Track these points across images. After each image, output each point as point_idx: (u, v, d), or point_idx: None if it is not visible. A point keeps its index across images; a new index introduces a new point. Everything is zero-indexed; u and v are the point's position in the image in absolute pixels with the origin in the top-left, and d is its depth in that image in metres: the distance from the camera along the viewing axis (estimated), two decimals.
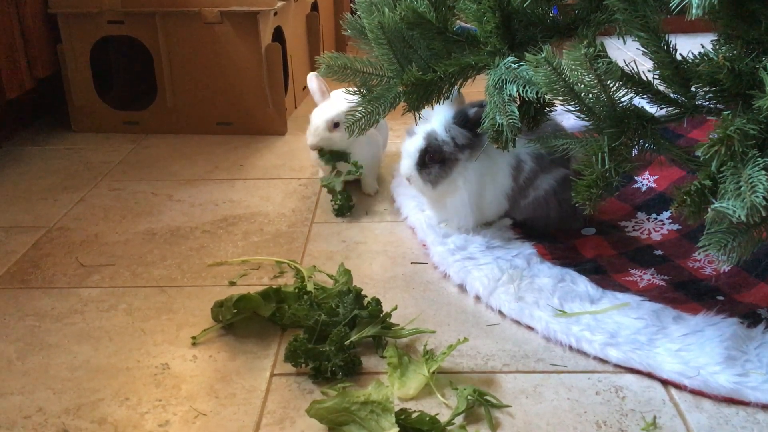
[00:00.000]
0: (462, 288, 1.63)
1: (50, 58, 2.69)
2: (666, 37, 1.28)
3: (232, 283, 1.68)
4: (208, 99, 2.72)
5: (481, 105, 1.69)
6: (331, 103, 2.10)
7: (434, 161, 1.76)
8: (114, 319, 1.55)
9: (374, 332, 1.41)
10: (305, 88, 3.14)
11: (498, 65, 1.46)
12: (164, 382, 1.34)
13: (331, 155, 2.08)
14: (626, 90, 1.29)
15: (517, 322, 1.50)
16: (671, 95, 1.33)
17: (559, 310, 1.48)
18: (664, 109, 1.36)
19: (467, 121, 1.74)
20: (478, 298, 1.59)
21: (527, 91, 1.39)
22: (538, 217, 1.84)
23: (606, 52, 1.22)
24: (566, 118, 1.81)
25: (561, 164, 1.78)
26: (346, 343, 1.36)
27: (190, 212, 2.07)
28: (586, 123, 1.36)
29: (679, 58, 1.29)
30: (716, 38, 1.30)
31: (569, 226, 1.86)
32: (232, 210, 2.08)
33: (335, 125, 2.06)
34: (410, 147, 1.79)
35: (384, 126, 2.31)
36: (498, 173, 1.79)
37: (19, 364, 1.40)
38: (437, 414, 1.21)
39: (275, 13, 2.71)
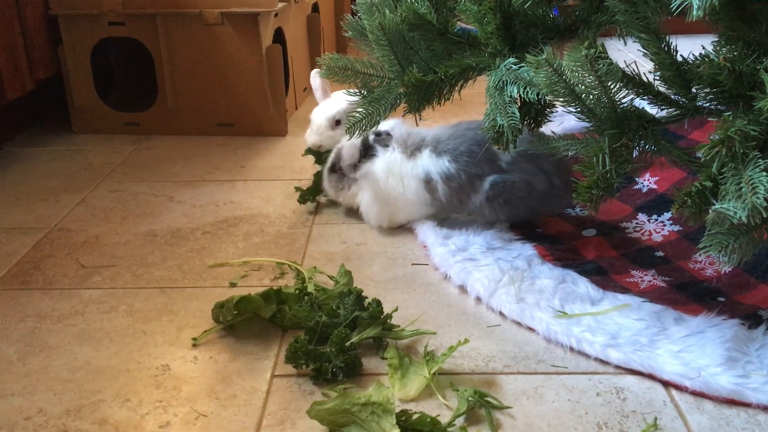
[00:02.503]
0: (463, 289, 1.63)
1: (51, 59, 2.69)
2: (667, 38, 1.28)
3: (233, 285, 1.68)
4: (209, 100, 2.72)
5: (378, 134, 1.89)
6: (331, 101, 2.11)
7: (337, 171, 1.97)
8: (115, 320, 1.55)
9: (375, 333, 1.41)
10: (306, 89, 3.15)
11: (499, 66, 1.46)
12: (165, 383, 1.34)
13: (327, 154, 2.08)
14: (627, 91, 1.29)
15: (518, 324, 1.50)
16: (672, 96, 1.33)
17: (560, 312, 1.48)
18: (665, 111, 1.36)
19: (366, 145, 1.91)
20: (478, 299, 1.59)
21: (528, 92, 1.39)
22: (502, 218, 1.87)
23: (607, 53, 1.22)
24: (567, 119, 1.82)
25: (487, 173, 1.80)
26: (347, 344, 1.36)
27: (191, 213, 2.07)
28: (587, 124, 1.36)
29: (679, 59, 1.29)
30: (717, 39, 1.30)
31: (548, 210, 1.91)
32: (233, 211, 2.08)
33: (337, 122, 2.07)
34: (327, 161, 2.01)
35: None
36: (406, 181, 1.87)
37: (19, 365, 1.40)
38: (438, 415, 1.21)
39: (276, 15, 2.72)
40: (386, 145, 1.89)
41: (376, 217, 1.93)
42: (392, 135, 1.89)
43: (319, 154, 2.13)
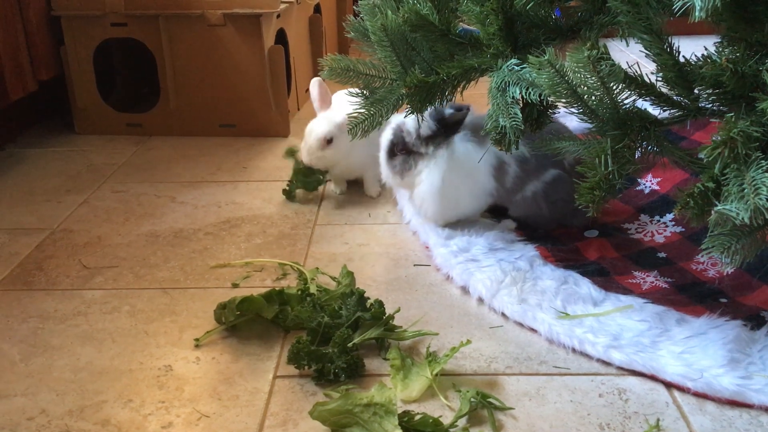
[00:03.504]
0: (465, 290, 1.63)
1: (53, 60, 2.70)
2: (669, 39, 1.28)
3: (235, 285, 1.68)
4: (211, 101, 2.73)
5: (459, 109, 1.77)
6: (327, 115, 2.05)
7: (401, 152, 1.83)
8: (117, 320, 1.55)
9: (377, 334, 1.41)
10: (308, 90, 3.15)
11: (501, 67, 1.46)
12: (167, 383, 1.35)
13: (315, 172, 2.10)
14: (629, 92, 1.29)
15: (520, 325, 1.50)
16: (674, 97, 1.33)
17: (562, 313, 1.48)
18: (667, 112, 1.36)
19: (441, 118, 1.79)
20: (481, 300, 1.59)
21: (530, 93, 1.39)
22: (532, 215, 1.86)
23: (609, 54, 1.22)
24: (569, 120, 1.81)
25: (551, 165, 1.79)
26: (349, 345, 1.36)
27: (193, 214, 2.07)
28: (589, 125, 1.36)
29: (682, 60, 1.29)
30: (719, 40, 1.30)
31: (569, 223, 1.87)
32: (235, 212, 2.08)
33: (328, 142, 2.02)
34: (383, 138, 1.87)
35: None
36: (476, 173, 1.81)
37: (22, 366, 1.40)
38: (440, 416, 1.21)
39: (278, 16, 2.72)
40: (460, 123, 1.79)
41: (435, 211, 1.85)
42: (466, 112, 1.79)
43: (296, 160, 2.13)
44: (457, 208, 1.87)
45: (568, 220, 1.87)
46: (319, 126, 2.03)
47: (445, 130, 1.79)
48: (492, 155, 1.78)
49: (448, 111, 1.78)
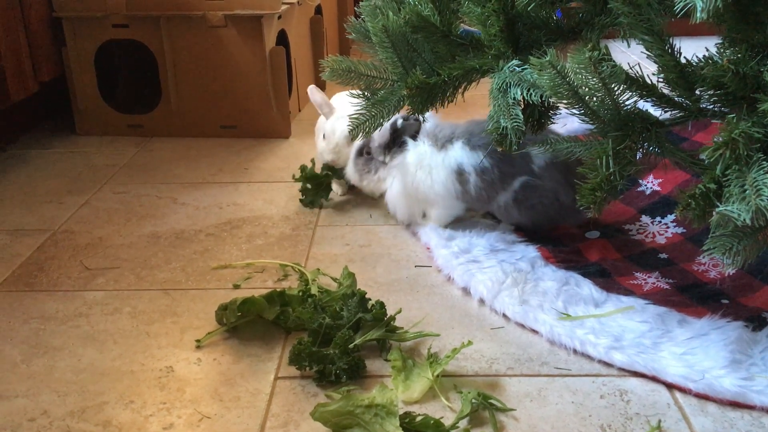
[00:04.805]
0: (466, 291, 1.63)
1: (55, 61, 2.70)
2: (670, 40, 1.28)
3: (236, 286, 1.68)
4: (212, 102, 2.73)
5: (405, 119, 1.87)
6: (343, 115, 2.06)
7: (366, 155, 1.96)
8: (118, 322, 1.55)
9: (378, 335, 1.41)
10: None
11: (502, 68, 1.46)
12: (168, 385, 1.35)
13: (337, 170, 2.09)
14: (630, 93, 1.29)
15: (522, 326, 1.50)
16: (676, 98, 1.33)
17: (564, 314, 1.48)
18: (669, 113, 1.35)
19: (394, 129, 1.89)
20: (482, 301, 1.59)
21: (531, 94, 1.39)
22: (517, 223, 1.88)
23: (610, 55, 1.22)
24: (570, 121, 1.82)
25: (518, 174, 1.80)
26: (351, 346, 1.36)
27: (195, 215, 2.08)
28: (591, 126, 1.36)
29: (683, 61, 1.29)
30: (721, 41, 1.30)
31: (565, 223, 1.89)
32: (236, 213, 2.09)
33: (352, 139, 2.04)
34: (353, 148, 2.00)
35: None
36: (434, 172, 1.85)
37: (23, 367, 1.40)
38: (441, 417, 1.21)
39: (279, 17, 2.72)
40: (416, 133, 1.88)
41: (402, 213, 1.94)
42: (421, 121, 1.88)
43: (335, 169, 2.11)
44: (428, 209, 1.92)
45: (561, 220, 1.87)
46: (343, 124, 2.05)
47: (397, 139, 1.90)
48: (453, 160, 1.84)
49: (400, 121, 1.88)
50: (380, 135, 1.90)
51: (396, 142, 1.91)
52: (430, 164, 1.85)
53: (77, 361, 1.42)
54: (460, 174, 1.83)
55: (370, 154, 1.95)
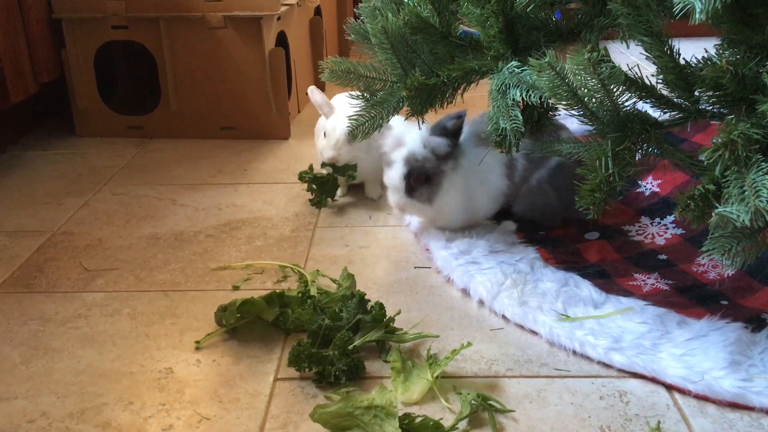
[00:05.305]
0: (465, 292, 1.63)
1: (54, 62, 2.70)
2: (669, 41, 1.28)
3: (236, 288, 1.68)
4: (212, 103, 2.73)
5: (458, 116, 1.76)
6: (343, 114, 2.07)
7: (421, 182, 1.77)
8: (118, 323, 1.55)
9: (378, 336, 1.41)
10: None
11: (501, 70, 1.46)
12: (168, 386, 1.35)
13: (344, 168, 2.08)
14: (630, 94, 1.29)
15: (521, 327, 1.50)
16: (675, 99, 1.33)
17: (563, 315, 1.48)
18: (668, 114, 1.36)
19: (446, 132, 1.76)
20: (481, 302, 1.59)
21: (531, 95, 1.39)
22: (539, 206, 1.87)
23: (609, 56, 1.22)
24: (570, 122, 1.81)
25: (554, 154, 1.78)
26: (350, 347, 1.36)
27: (194, 216, 2.08)
28: (590, 127, 1.36)
29: (682, 62, 1.29)
30: (720, 43, 1.30)
31: (574, 215, 1.87)
32: (236, 214, 2.09)
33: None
34: (394, 177, 1.78)
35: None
36: (490, 174, 1.83)
37: (23, 369, 1.40)
38: (441, 419, 1.21)
39: (279, 18, 2.72)
40: (459, 130, 1.77)
41: (455, 219, 1.85)
42: (463, 117, 1.77)
43: (336, 167, 2.11)
44: (475, 213, 1.88)
45: (572, 212, 1.87)
46: (344, 122, 2.05)
47: (455, 138, 1.78)
48: (503, 155, 1.75)
49: (449, 122, 1.76)
50: (437, 146, 1.75)
51: (454, 145, 1.77)
52: (489, 163, 1.79)
53: (76, 362, 1.42)
54: (510, 164, 1.81)
55: (423, 180, 1.76)
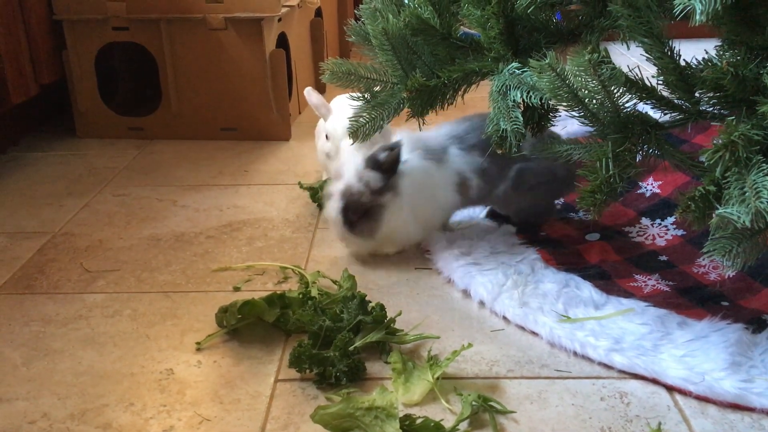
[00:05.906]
0: (466, 293, 1.63)
1: (55, 64, 2.70)
2: (670, 42, 1.28)
3: (237, 289, 1.68)
4: (213, 105, 2.73)
5: (392, 148, 1.71)
6: (340, 117, 2.06)
7: (359, 215, 1.72)
8: (119, 324, 1.55)
9: (378, 338, 1.41)
10: None
11: (502, 71, 1.46)
12: (169, 387, 1.35)
13: None
14: (630, 95, 1.29)
15: (522, 328, 1.50)
16: (675, 101, 1.33)
17: (564, 316, 1.48)
18: (668, 115, 1.36)
19: (379, 166, 1.71)
20: (482, 303, 1.59)
21: (531, 96, 1.39)
22: (516, 212, 1.89)
23: (610, 57, 1.22)
24: (570, 123, 1.82)
25: (513, 162, 1.78)
26: (351, 348, 1.36)
27: (195, 218, 2.08)
28: (590, 129, 1.36)
29: (683, 63, 1.29)
30: (720, 44, 1.30)
31: (565, 195, 1.94)
32: (237, 215, 2.09)
33: None
34: (332, 212, 1.74)
35: (387, 132, 2.31)
36: (439, 190, 1.78)
37: (24, 370, 1.40)
38: (442, 420, 1.21)
39: (279, 20, 2.72)
40: (398, 160, 1.71)
41: (407, 239, 1.81)
42: (400, 146, 1.72)
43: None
44: (430, 225, 1.83)
45: (562, 195, 1.94)
46: (344, 124, 2.05)
47: (389, 172, 1.71)
48: (453, 173, 1.76)
49: (382, 155, 1.71)
50: (371, 180, 1.69)
51: (389, 176, 1.71)
52: (436, 177, 1.75)
53: (77, 363, 1.42)
54: (462, 184, 1.77)
55: (361, 213, 1.71)
